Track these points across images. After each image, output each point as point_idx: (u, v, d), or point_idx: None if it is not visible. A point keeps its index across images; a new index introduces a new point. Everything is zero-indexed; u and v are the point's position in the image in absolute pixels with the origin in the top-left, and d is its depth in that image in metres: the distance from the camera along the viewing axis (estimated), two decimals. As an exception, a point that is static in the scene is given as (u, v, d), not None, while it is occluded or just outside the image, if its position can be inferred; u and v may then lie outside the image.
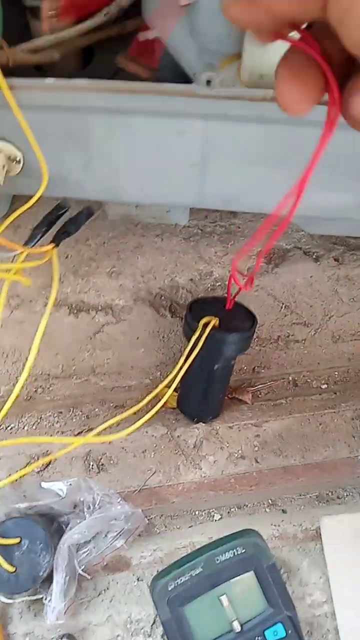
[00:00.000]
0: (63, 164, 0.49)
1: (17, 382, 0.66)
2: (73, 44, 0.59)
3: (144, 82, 0.41)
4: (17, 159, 0.49)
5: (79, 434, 0.64)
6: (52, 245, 0.48)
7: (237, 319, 0.58)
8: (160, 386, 0.56)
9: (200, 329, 0.54)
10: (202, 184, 0.51)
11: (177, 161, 0.49)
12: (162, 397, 0.64)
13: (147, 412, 0.54)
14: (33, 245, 0.48)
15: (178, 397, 0.64)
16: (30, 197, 0.53)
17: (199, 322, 0.54)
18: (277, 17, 0.20)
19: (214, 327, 0.54)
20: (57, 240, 0.48)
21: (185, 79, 0.59)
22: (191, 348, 0.53)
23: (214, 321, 0.55)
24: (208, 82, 0.40)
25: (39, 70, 0.60)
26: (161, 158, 0.49)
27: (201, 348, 0.54)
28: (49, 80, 0.41)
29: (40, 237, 0.51)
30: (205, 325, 0.54)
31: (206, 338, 0.53)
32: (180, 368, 0.54)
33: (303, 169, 0.50)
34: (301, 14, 0.19)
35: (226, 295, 0.56)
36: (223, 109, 0.42)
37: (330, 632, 0.53)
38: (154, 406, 0.55)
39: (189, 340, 0.55)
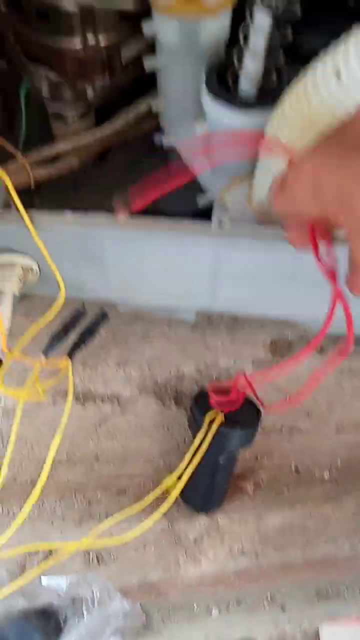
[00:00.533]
0: (79, 275, 0.51)
1: (21, 468, 0.67)
2: (91, 149, 0.62)
3: (161, 220, 0.43)
4: (34, 270, 0.51)
5: (79, 520, 0.65)
6: (68, 359, 0.49)
7: (242, 412, 0.58)
8: (165, 481, 0.57)
9: (207, 426, 0.55)
10: (212, 295, 0.53)
11: (189, 277, 0.50)
12: (167, 491, 0.65)
13: (150, 506, 0.54)
14: (50, 356, 0.50)
15: (182, 489, 0.65)
16: (44, 297, 0.55)
17: (204, 417, 0.55)
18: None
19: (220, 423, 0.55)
20: (72, 353, 0.50)
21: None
22: (198, 444, 0.54)
23: (220, 417, 0.56)
24: (220, 223, 0.42)
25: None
26: (173, 275, 0.50)
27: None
28: (69, 216, 0.43)
29: (58, 344, 0.52)
30: (211, 421, 0.55)
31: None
32: (187, 464, 0.54)
33: (304, 283, 0.52)
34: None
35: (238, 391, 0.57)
36: (232, 243, 0.44)
37: None
38: (158, 499, 0.55)
39: (194, 435, 0.55)
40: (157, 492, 0.54)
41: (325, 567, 0.64)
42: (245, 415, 0.58)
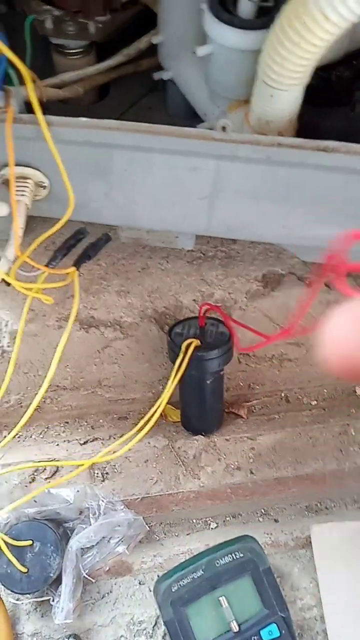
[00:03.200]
0: (86, 192, 0.54)
1: (27, 392, 0.69)
2: (94, 80, 0.64)
3: (165, 126, 0.46)
4: (44, 185, 0.53)
5: (84, 443, 0.68)
6: (74, 268, 0.52)
7: (215, 334, 0.62)
8: (154, 408, 0.60)
9: (183, 351, 0.58)
10: (210, 214, 0.56)
11: (189, 194, 0.53)
12: (162, 412, 0.68)
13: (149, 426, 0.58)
14: (54, 267, 0.52)
15: (180, 415, 0.68)
16: (51, 219, 0.57)
17: (180, 345, 0.58)
18: None
19: (195, 347, 0.58)
20: (78, 264, 0.52)
21: (194, 114, 0.64)
22: (177, 370, 0.57)
23: (195, 342, 0.59)
24: (224, 128, 0.45)
25: (61, 102, 0.65)
26: (175, 190, 0.53)
27: (188, 368, 0.58)
28: (83, 120, 0.46)
29: (61, 259, 0.55)
30: (187, 347, 0.58)
31: (190, 359, 0.57)
32: (169, 389, 0.57)
33: (301, 205, 0.56)
34: None
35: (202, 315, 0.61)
36: (234, 151, 0.47)
37: (320, 634, 0.57)
38: (156, 420, 0.59)
39: (174, 363, 0.59)
40: (146, 418, 0.57)
41: (314, 483, 0.68)
42: (218, 335, 0.62)
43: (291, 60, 0.43)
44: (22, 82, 0.48)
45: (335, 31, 0.40)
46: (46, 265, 0.51)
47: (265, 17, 0.47)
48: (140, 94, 0.71)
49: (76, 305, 0.50)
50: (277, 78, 0.45)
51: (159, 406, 0.54)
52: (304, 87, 0.48)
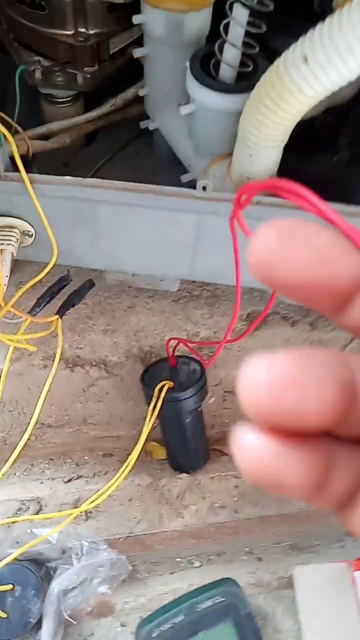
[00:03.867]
0: (71, 240, 0.55)
1: (12, 430, 0.70)
2: (81, 129, 0.66)
3: (149, 185, 0.47)
4: (30, 233, 0.55)
5: (68, 481, 0.68)
6: (57, 316, 0.53)
7: (188, 372, 0.64)
8: (134, 451, 0.61)
9: (156, 395, 0.59)
10: (193, 261, 0.58)
11: (174, 243, 0.55)
12: (147, 450, 0.69)
13: (135, 467, 0.58)
14: (36, 314, 0.54)
15: (167, 454, 0.69)
16: (36, 262, 0.59)
17: (154, 389, 0.59)
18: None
19: (169, 389, 0.60)
20: (61, 312, 0.54)
21: (178, 160, 0.67)
22: (151, 414, 0.59)
23: (167, 384, 0.60)
24: (204, 188, 0.47)
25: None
26: (160, 240, 0.55)
27: (164, 410, 0.59)
28: (66, 178, 0.48)
29: (44, 306, 0.56)
30: (160, 390, 0.59)
31: (164, 401, 0.58)
32: (145, 434, 0.58)
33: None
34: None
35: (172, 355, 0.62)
36: (214, 208, 0.49)
37: None
38: (135, 461, 0.59)
39: (149, 406, 0.60)
40: (128, 461, 0.58)
41: (298, 521, 0.69)
42: (191, 373, 0.63)
43: (268, 125, 0.45)
44: (10, 132, 0.50)
45: (310, 102, 0.43)
46: (29, 313, 0.52)
47: (245, 81, 0.50)
48: (127, 140, 0.73)
49: (59, 349, 0.51)
50: (256, 140, 0.48)
51: (138, 449, 0.55)
52: (282, 146, 0.50)
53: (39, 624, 0.55)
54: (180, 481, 0.67)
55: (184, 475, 0.68)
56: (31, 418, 0.68)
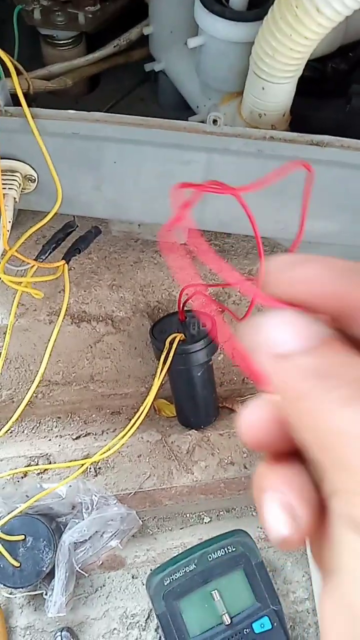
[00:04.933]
0: (75, 185, 0.53)
1: (18, 387, 0.69)
2: (84, 71, 0.63)
3: (156, 119, 0.45)
4: (33, 178, 0.52)
5: (77, 438, 0.68)
6: (64, 261, 0.51)
7: (198, 326, 0.62)
8: (142, 407, 0.60)
9: (167, 347, 0.58)
10: (202, 208, 0.56)
11: (181, 187, 0.53)
12: (156, 407, 0.68)
13: (143, 424, 0.58)
14: (43, 260, 0.52)
15: (175, 410, 0.68)
16: (41, 212, 0.57)
17: (164, 341, 0.58)
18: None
19: (180, 342, 0.58)
20: (68, 257, 0.52)
21: (186, 106, 0.64)
22: (162, 366, 0.57)
23: (179, 336, 0.59)
24: (215, 121, 0.45)
25: (50, 94, 0.64)
26: (166, 183, 0.53)
27: (175, 363, 0.58)
28: (70, 112, 0.45)
29: (50, 253, 0.54)
30: (171, 342, 0.58)
31: (175, 353, 0.57)
32: (156, 386, 0.57)
33: (294, 200, 0.55)
34: None
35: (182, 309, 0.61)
36: (225, 144, 0.46)
37: (312, 626, 0.57)
38: (145, 417, 0.59)
39: (159, 360, 0.58)
40: (138, 416, 0.57)
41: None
42: (202, 329, 0.62)
43: (283, 52, 0.42)
44: (7, 74, 0.47)
45: (328, 24, 0.40)
46: (35, 259, 0.50)
47: (257, 8, 0.47)
48: (131, 85, 0.70)
49: (66, 299, 0.49)
50: (269, 71, 0.45)
51: (149, 401, 0.54)
52: (296, 79, 0.47)
53: (51, 574, 0.55)
54: (189, 437, 0.66)
55: (193, 431, 0.67)
56: (37, 374, 0.67)
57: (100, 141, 0.48)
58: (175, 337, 0.59)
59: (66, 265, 0.51)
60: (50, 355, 0.48)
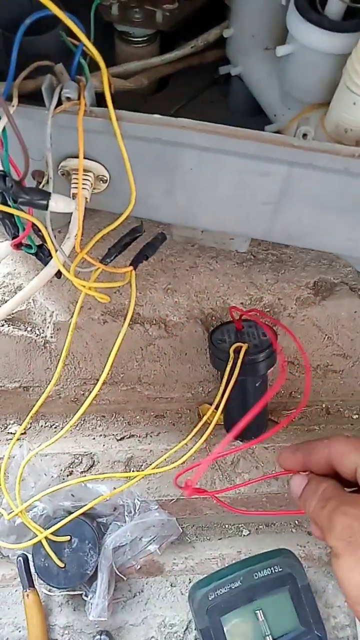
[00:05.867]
0: (146, 188, 0.52)
1: (66, 384, 0.69)
2: (158, 71, 0.62)
3: (245, 129, 0.44)
4: (105, 179, 0.52)
5: (121, 439, 0.67)
6: (131, 267, 0.50)
7: (257, 336, 0.61)
8: (202, 409, 0.59)
9: (233, 357, 0.57)
10: (273, 220, 0.54)
11: (255, 198, 0.51)
12: (200, 413, 0.67)
13: (188, 430, 0.57)
14: (108, 264, 0.51)
15: (224, 419, 0.67)
16: (101, 212, 0.56)
17: (228, 351, 0.57)
18: None
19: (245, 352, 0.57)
20: (135, 263, 0.51)
21: (256, 112, 0.62)
22: (229, 376, 0.56)
23: (245, 346, 0.58)
24: (304, 135, 0.43)
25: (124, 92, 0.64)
26: (241, 194, 0.51)
27: (238, 373, 0.57)
28: (156, 117, 0.44)
29: (115, 257, 0.53)
30: (237, 351, 0.57)
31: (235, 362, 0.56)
32: (222, 396, 0.57)
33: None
34: None
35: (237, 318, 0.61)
36: (311, 159, 0.45)
37: (351, 653, 0.56)
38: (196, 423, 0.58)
39: (219, 369, 0.57)
40: (199, 427, 0.57)
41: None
42: (261, 339, 0.61)
43: (382, 66, 0.41)
44: (92, 70, 0.46)
45: None
46: (101, 262, 0.50)
47: (354, 19, 0.45)
48: (200, 87, 0.68)
49: (132, 305, 0.49)
50: (362, 84, 0.43)
51: (216, 416, 0.54)
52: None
53: (92, 576, 0.55)
54: (234, 448, 0.65)
55: (238, 442, 0.66)
56: (86, 373, 0.67)
57: (181, 148, 0.47)
58: (241, 347, 0.58)
59: (134, 271, 0.50)
60: (113, 358, 0.48)
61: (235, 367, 0.56)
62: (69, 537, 0.53)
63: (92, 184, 0.51)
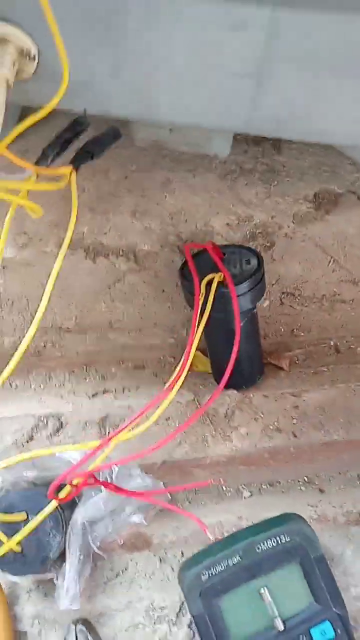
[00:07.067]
0: (87, 63, 0.40)
1: (23, 334, 0.58)
2: None
3: None
4: (32, 54, 0.39)
5: (93, 395, 0.57)
6: (71, 167, 0.39)
7: (241, 264, 0.50)
8: (179, 367, 0.48)
9: (204, 290, 0.46)
10: (255, 100, 0.42)
11: (228, 66, 0.39)
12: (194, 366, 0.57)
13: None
14: (47, 166, 0.39)
15: (210, 365, 0.57)
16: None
17: (200, 283, 0.47)
18: None
19: (219, 284, 0.47)
20: (77, 162, 0.39)
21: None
22: (199, 316, 0.46)
23: (217, 277, 0.47)
24: None
25: None
26: (208, 61, 0.39)
27: (213, 310, 0.46)
28: None
29: (54, 158, 0.41)
30: (209, 284, 0.47)
31: (215, 298, 0.46)
32: (195, 343, 0.46)
33: None
34: None
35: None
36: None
37: (376, 627, 0.48)
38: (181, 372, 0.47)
39: (192, 307, 0.47)
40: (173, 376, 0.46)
41: (369, 448, 0.57)
42: (246, 267, 0.50)
43: None
44: None
45: None
46: (35, 164, 0.38)
47: None
48: None
49: (74, 217, 0.37)
50: None
51: (184, 363, 0.43)
52: None
53: (62, 557, 0.46)
54: (228, 399, 0.56)
55: (232, 391, 0.57)
56: (46, 320, 0.57)
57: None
58: (213, 278, 0.47)
59: (74, 172, 0.38)
60: (50, 293, 0.37)
61: (206, 304, 0.44)
62: (24, 515, 0.44)
63: (13, 60, 0.39)
